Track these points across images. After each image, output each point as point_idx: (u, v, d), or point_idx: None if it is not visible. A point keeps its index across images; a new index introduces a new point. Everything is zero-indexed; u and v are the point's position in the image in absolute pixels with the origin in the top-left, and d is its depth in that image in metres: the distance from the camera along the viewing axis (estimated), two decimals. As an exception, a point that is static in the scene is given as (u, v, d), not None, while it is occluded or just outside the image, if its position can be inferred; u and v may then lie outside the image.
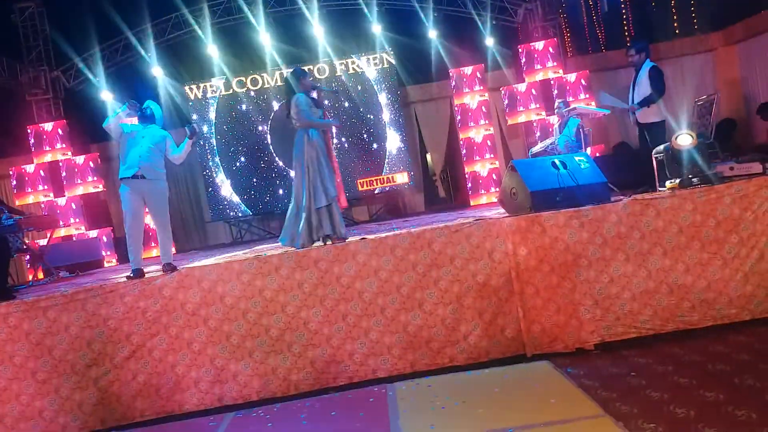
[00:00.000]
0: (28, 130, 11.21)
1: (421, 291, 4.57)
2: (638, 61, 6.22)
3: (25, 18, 11.49)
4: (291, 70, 5.93)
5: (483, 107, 11.24)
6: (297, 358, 4.54)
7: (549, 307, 4.50)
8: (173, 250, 6.05)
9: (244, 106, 11.67)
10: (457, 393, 3.96)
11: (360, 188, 11.52)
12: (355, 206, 12.07)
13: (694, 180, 4.80)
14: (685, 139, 4.87)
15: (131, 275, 4.81)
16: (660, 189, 5.18)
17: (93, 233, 10.81)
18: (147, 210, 5.12)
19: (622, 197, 5.01)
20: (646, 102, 6.02)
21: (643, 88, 6.06)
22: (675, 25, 11.65)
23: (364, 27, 11.96)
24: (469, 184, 11.25)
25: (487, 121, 11.25)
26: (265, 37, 11.63)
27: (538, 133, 10.76)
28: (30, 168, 11.06)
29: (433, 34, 11.77)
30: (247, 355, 4.52)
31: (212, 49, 11.69)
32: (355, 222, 11.57)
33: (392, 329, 4.55)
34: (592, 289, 4.49)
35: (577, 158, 5.30)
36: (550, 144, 7.79)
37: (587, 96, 10.53)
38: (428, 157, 12.92)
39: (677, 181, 4.90)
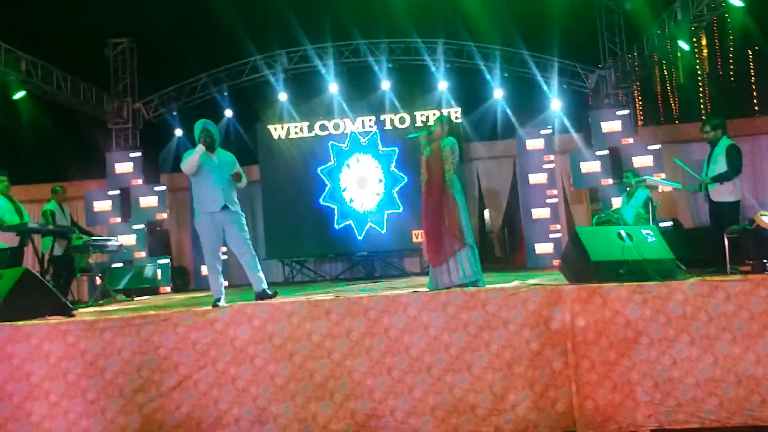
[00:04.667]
0: (106, 157, 11.82)
1: (471, 353, 4.44)
2: (713, 138, 6.04)
3: (117, 53, 12.30)
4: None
5: (547, 170, 11.12)
6: (338, 407, 4.45)
7: (605, 384, 4.28)
8: (226, 283, 6.17)
9: (303, 149, 11.97)
10: (501, 465, 3.78)
11: (414, 240, 11.51)
12: (407, 257, 12.05)
13: (769, 264, 4.56)
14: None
15: (216, 304, 5.05)
16: (731, 271, 4.94)
17: (152, 260, 11.13)
18: (227, 240, 5.35)
19: (689, 276, 4.79)
20: (720, 178, 5.82)
21: (719, 165, 5.87)
22: (755, 102, 11.33)
23: (429, 83, 12.20)
24: (528, 246, 11.05)
25: (550, 184, 11.11)
26: (334, 87, 12.01)
27: (602, 202, 10.54)
28: (103, 192, 11.60)
29: (499, 93, 11.86)
30: (289, 398, 4.47)
31: (283, 95, 12.15)
32: (407, 274, 11.50)
33: (437, 389, 4.42)
34: (653, 370, 4.25)
35: (644, 231, 5.13)
36: (616, 214, 7.60)
37: (655, 166, 10.26)
38: (486, 213, 12.81)
39: (750, 264, 4.66)
